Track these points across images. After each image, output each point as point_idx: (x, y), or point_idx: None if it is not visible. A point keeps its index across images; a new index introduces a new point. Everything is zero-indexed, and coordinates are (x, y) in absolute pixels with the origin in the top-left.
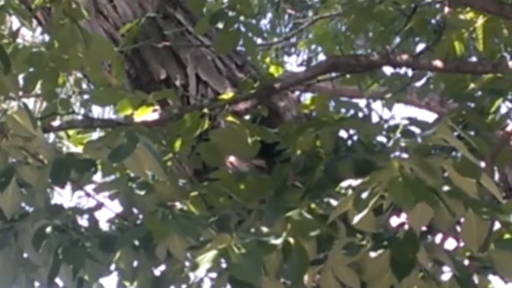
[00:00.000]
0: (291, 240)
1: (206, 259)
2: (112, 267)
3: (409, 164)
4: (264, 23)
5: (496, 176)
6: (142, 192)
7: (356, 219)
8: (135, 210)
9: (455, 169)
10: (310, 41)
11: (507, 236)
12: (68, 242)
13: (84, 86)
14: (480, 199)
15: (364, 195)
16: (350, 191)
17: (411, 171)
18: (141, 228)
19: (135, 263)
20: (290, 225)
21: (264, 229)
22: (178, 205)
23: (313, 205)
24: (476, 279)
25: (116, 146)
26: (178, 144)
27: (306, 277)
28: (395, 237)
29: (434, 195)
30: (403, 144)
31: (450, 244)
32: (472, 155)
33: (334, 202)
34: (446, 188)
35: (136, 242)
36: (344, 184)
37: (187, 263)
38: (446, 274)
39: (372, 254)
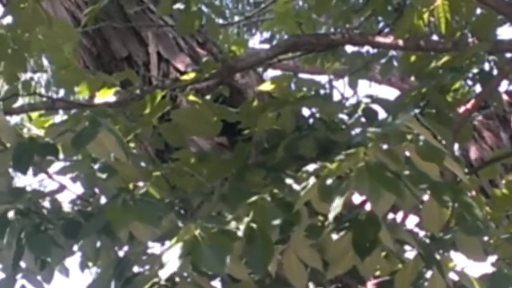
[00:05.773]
0: (254, 226)
1: (173, 257)
2: (75, 247)
3: (373, 152)
4: (226, 2)
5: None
6: (104, 175)
7: (331, 217)
8: (97, 190)
9: (418, 155)
10: (272, 23)
11: None
12: (30, 227)
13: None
14: (442, 180)
15: (329, 182)
16: (312, 178)
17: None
18: (103, 214)
19: (98, 244)
20: (253, 213)
21: (227, 214)
22: (140, 186)
23: (275, 191)
24: (438, 257)
25: (78, 131)
26: (140, 124)
27: None
28: (357, 218)
29: (399, 182)
30: (368, 134)
31: (412, 220)
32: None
33: (296, 186)
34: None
35: None
36: (306, 168)
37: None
38: (409, 252)
39: (334, 236)
